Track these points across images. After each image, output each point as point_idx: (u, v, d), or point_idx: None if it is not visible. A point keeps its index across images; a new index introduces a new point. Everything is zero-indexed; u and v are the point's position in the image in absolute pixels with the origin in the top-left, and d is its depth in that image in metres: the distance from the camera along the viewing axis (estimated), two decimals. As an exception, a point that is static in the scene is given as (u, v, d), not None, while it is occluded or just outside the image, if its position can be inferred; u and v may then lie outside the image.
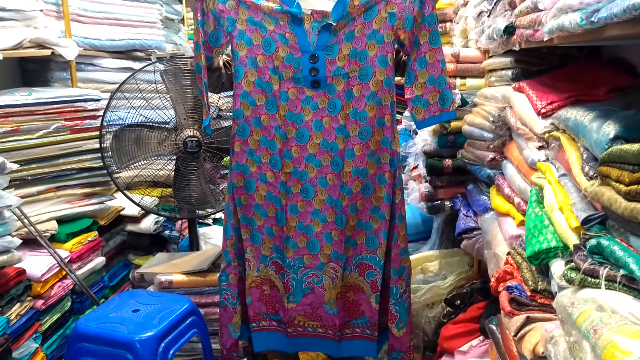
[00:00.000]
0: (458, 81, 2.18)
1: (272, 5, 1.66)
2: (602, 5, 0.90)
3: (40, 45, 2.27)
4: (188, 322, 1.76)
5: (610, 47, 1.59)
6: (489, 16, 1.82)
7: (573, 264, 1.06)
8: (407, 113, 2.60)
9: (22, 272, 1.79)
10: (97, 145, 2.28)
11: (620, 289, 0.90)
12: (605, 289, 0.93)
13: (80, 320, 1.72)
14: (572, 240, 1.11)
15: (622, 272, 0.90)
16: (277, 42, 1.69)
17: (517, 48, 1.57)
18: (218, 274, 2.13)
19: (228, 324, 1.88)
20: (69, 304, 2.11)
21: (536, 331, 1.18)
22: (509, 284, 1.36)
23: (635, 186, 0.86)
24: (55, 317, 2.02)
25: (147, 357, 1.57)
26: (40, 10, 2.33)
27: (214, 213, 2.70)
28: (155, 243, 2.72)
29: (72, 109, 2.24)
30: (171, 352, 1.64)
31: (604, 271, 0.94)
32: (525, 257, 1.28)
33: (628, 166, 0.91)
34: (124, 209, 2.55)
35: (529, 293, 1.27)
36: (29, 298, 1.85)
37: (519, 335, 1.23)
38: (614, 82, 1.37)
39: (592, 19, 0.93)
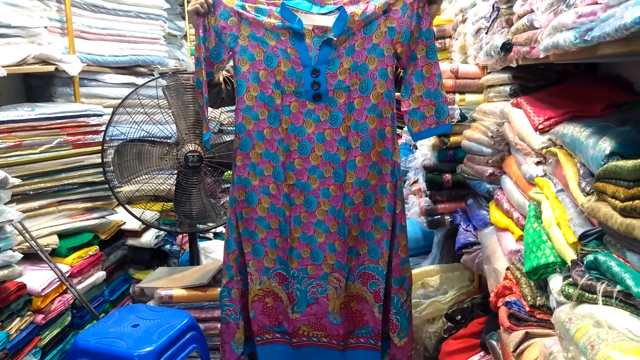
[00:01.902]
0: (457, 97, 2.19)
1: (273, 22, 1.69)
2: (595, 24, 0.92)
3: (44, 61, 2.30)
4: (187, 337, 1.76)
5: (607, 63, 1.61)
6: (487, 33, 1.85)
7: (571, 279, 1.06)
8: (406, 128, 2.61)
9: (23, 286, 1.80)
10: (99, 160, 2.30)
11: (617, 305, 0.90)
12: (603, 304, 0.93)
13: (79, 335, 1.72)
14: (570, 255, 1.12)
15: (618, 287, 0.90)
16: (279, 57, 1.72)
17: (514, 65, 1.59)
18: (218, 289, 2.14)
19: (231, 341, 1.87)
20: (69, 318, 2.11)
21: (535, 347, 1.18)
22: (507, 299, 1.36)
23: (631, 202, 0.87)
24: (55, 331, 2.02)
25: (146, 373, 1.56)
26: (45, 27, 2.37)
27: (215, 227, 2.70)
28: (155, 257, 2.72)
29: (75, 124, 2.26)
30: (170, 367, 1.63)
31: (601, 287, 0.94)
32: (524, 272, 1.29)
33: (623, 182, 0.91)
34: (124, 223, 2.55)
35: (527, 308, 1.27)
36: (29, 312, 1.86)
37: (518, 350, 1.22)
38: (610, 98, 1.38)
39: (586, 38, 0.95)
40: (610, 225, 0.93)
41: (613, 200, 0.94)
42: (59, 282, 2.02)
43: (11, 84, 2.60)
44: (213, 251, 2.83)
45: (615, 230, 0.92)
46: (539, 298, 1.26)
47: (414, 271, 2.32)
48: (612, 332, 0.87)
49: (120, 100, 2.34)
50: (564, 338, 0.99)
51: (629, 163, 0.88)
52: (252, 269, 1.86)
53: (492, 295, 1.50)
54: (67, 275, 2.07)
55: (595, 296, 0.95)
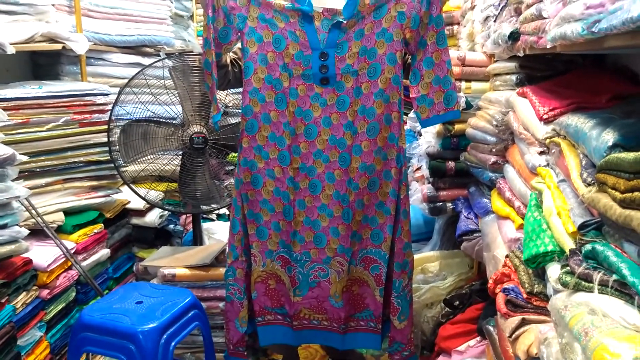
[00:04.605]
0: (463, 84, 2.19)
1: (283, 3, 1.69)
2: (602, 16, 0.92)
3: (52, 40, 2.31)
4: (190, 315, 1.79)
5: (615, 55, 1.60)
6: (495, 21, 1.84)
7: (568, 268, 1.08)
8: (412, 114, 2.62)
9: (29, 261, 1.82)
10: (105, 139, 2.31)
11: (612, 294, 0.92)
12: (598, 293, 0.95)
13: (84, 311, 1.75)
14: (569, 244, 1.14)
15: (614, 277, 0.92)
16: (288, 40, 1.72)
17: (521, 54, 1.59)
18: (221, 269, 2.17)
19: (235, 319, 1.91)
20: (74, 294, 2.15)
21: (530, 332, 1.21)
22: (505, 285, 1.38)
23: (630, 194, 0.88)
24: (60, 307, 2.05)
25: (149, 348, 1.60)
26: (52, 5, 2.37)
27: (218, 209, 2.73)
28: (159, 237, 2.76)
29: (81, 102, 2.27)
30: (173, 343, 1.67)
31: (597, 276, 0.96)
32: (523, 260, 1.31)
33: (624, 174, 0.92)
34: (129, 202, 2.58)
35: (525, 295, 1.29)
36: (35, 287, 1.89)
37: (513, 336, 1.25)
38: (616, 90, 1.38)
39: (593, 29, 0.95)
40: (610, 216, 0.95)
41: (613, 191, 0.95)
42: (64, 259, 2.05)
43: (18, 62, 2.60)
44: (216, 232, 2.85)
45: (614, 221, 0.94)
46: (536, 285, 1.28)
47: (414, 257, 2.34)
48: (606, 320, 0.89)
49: (126, 80, 2.35)
50: (559, 324, 1.01)
51: (631, 155, 0.89)
52: (255, 251, 1.88)
53: (490, 281, 1.52)
54: (72, 252, 2.10)
55: (591, 285, 0.97)
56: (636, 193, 0.86)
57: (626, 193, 0.90)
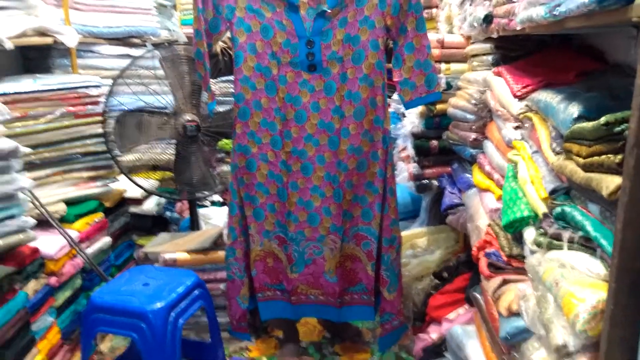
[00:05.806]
0: (443, 66, 2.28)
1: None
2: (562, 0, 1.03)
3: (43, 33, 2.33)
4: (195, 294, 1.89)
5: (581, 35, 1.71)
6: (470, 5, 1.94)
7: (542, 230, 1.20)
8: (395, 97, 2.71)
9: (36, 250, 1.89)
10: (101, 130, 2.37)
11: (578, 249, 1.04)
12: (567, 249, 1.07)
13: (95, 293, 1.83)
14: (542, 209, 1.25)
15: (580, 233, 1.04)
16: (275, 29, 1.80)
17: (495, 35, 1.69)
18: (219, 252, 2.26)
19: (237, 296, 2.01)
20: (80, 281, 2.22)
21: (511, 291, 1.32)
22: (487, 250, 1.50)
23: (590, 158, 1.00)
24: (67, 293, 2.13)
25: (159, 325, 1.69)
26: (41, -1, 2.39)
27: (211, 195, 2.81)
28: (157, 224, 2.84)
29: (75, 95, 2.31)
30: (180, 320, 1.76)
31: (566, 234, 1.08)
32: (502, 226, 1.42)
33: (585, 142, 1.04)
34: (126, 191, 2.65)
35: (505, 258, 1.41)
36: (44, 275, 1.95)
37: (496, 294, 1.37)
38: (581, 67, 1.49)
39: (554, 13, 1.06)
40: (575, 180, 1.07)
41: (577, 157, 1.07)
42: (69, 247, 2.12)
43: (9, 56, 2.61)
44: (212, 217, 2.94)
45: (578, 184, 1.06)
46: (514, 248, 1.40)
47: (403, 233, 2.45)
48: (573, 271, 1.02)
49: (116, 71, 2.40)
50: (534, 279, 1.13)
51: (590, 124, 1.00)
52: (253, 232, 1.98)
53: (474, 249, 1.64)
54: (76, 240, 2.17)
55: (561, 243, 1.09)
56: (595, 157, 0.97)
57: (587, 158, 1.01)
